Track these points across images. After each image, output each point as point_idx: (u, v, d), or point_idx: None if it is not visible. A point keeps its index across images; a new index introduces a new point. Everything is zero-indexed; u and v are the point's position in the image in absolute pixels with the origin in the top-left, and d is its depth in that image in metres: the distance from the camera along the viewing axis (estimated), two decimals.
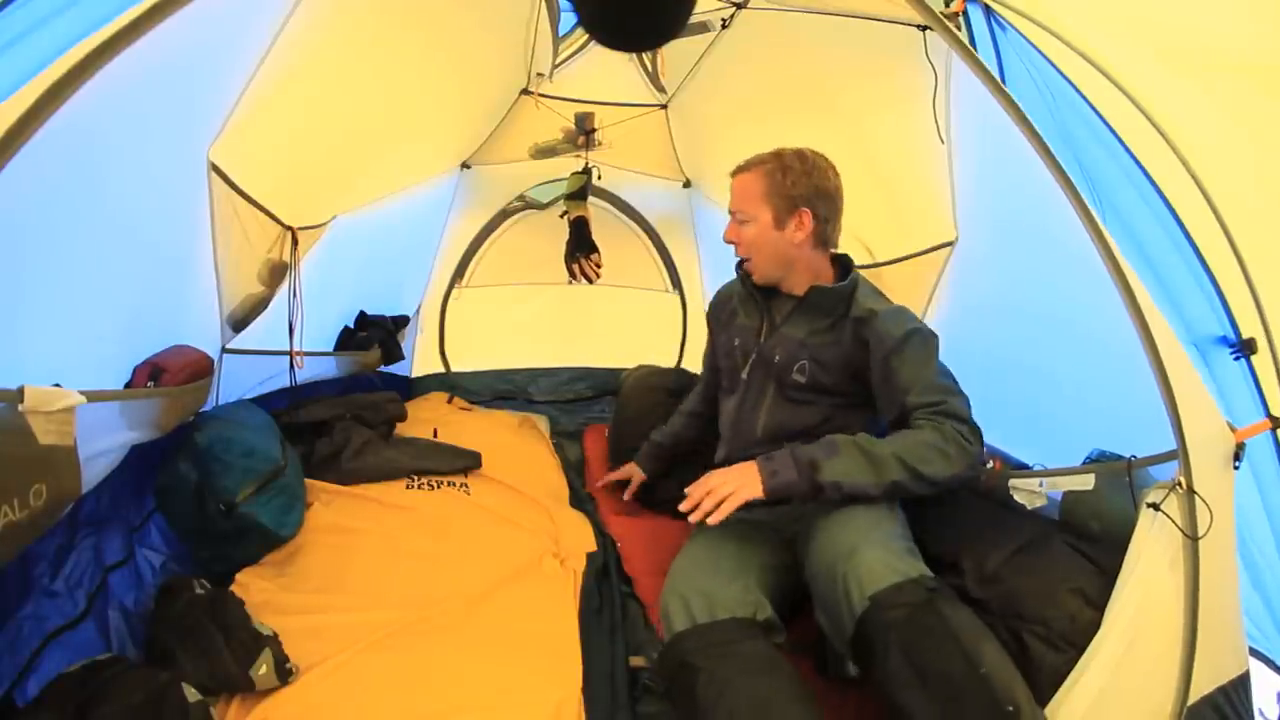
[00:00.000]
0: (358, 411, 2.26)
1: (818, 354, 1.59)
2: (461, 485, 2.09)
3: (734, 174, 1.65)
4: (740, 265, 1.74)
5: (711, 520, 1.31)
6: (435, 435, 2.47)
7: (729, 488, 1.33)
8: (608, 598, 1.64)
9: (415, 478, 2.07)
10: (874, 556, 1.19)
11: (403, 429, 2.49)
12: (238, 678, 1.18)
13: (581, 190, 3.12)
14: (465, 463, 2.19)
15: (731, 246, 1.69)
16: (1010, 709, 1.00)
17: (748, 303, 1.75)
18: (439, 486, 2.06)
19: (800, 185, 1.57)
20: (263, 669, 1.19)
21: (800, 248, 1.60)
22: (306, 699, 1.20)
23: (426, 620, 1.43)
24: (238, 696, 1.19)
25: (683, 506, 1.36)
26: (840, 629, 1.20)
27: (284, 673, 1.21)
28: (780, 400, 1.65)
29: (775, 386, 1.65)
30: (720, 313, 1.86)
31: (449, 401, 3.20)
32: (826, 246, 1.64)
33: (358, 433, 2.17)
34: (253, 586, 1.51)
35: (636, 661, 1.45)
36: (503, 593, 1.56)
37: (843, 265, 1.69)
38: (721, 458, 1.76)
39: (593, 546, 1.84)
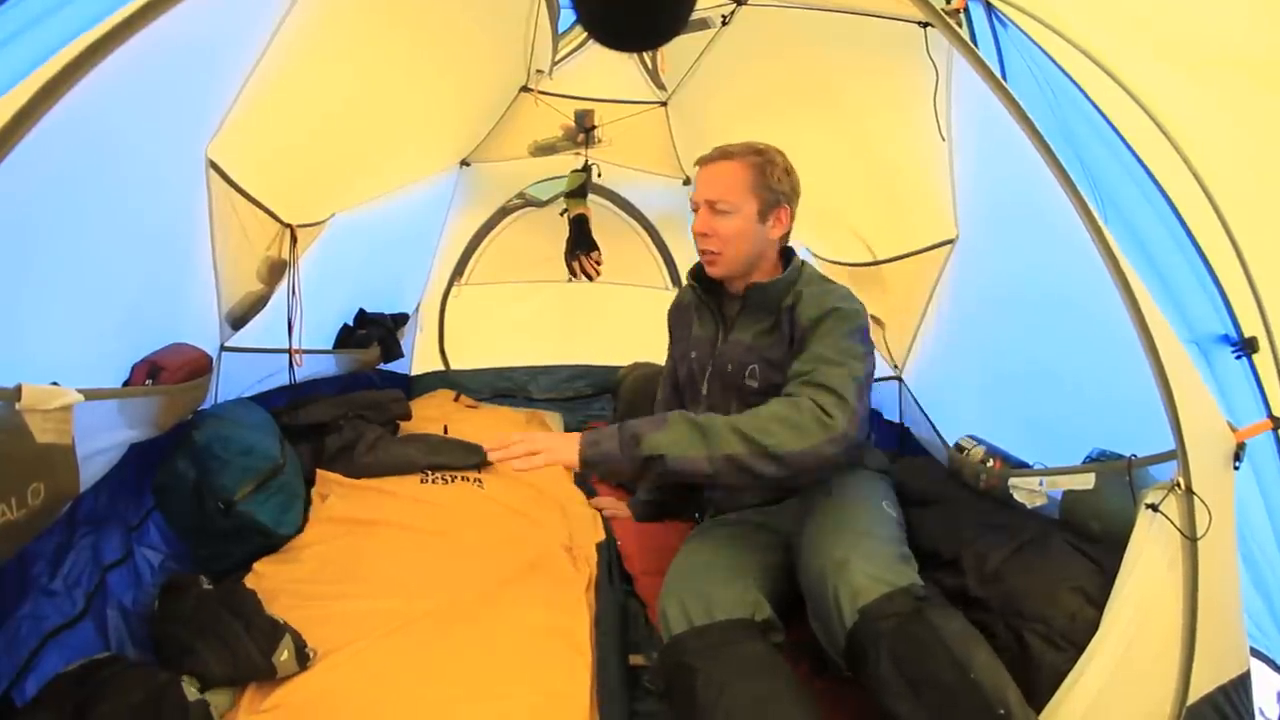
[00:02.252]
0: (360, 412, 2.26)
1: (766, 354, 1.56)
2: (475, 480, 2.10)
3: (708, 162, 1.56)
4: (692, 272, 1.67)
5: (517, 466, 1.24)
6: (445, 432, 2.47)
7: (543, 445, 1.26)
8: (618, 591, 1.65)
9: (429, 472, 2.08)
10: (862, 570, 1.20)
11: (410, 427, 2.50)
12: (261, 665, 1.19)
13: (581, 188, 3.12)
14: (478, 458, 2.20)
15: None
16: (1002, 712, 1.01)
17: (702, 311, 1.70)
18: (453, 480, 2.07)
19: (784, 182, 1.55)
20: (284, 655, 1.21)
21: (772, 245, 1.59)
22: (321, 685, 1.22)
23: (441, 610, 1.44)
24: (251, 685, 1.20)
25: (490, 448, 1.28)
26: (833, 640, 1.21)
27: (303, 658, 1.23)
28: (741, 409, 1.63)
29: (735, 395, 1.62)
30: (678, 321, 1.82)
31: (455, 399, 3.21)
32: (784, 245, 1.64)
33: (369, 429, 2.18)
34: (269, 575, 1.53)
35: (636, 660, 1.45)
36: (517, 584, 1.56)
37: (786, 259, 1.64)
38: None
39: (602, 536, 1.86)
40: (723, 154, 1.55)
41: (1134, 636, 1.05)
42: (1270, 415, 1.17)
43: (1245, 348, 1.19)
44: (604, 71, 2.88)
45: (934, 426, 1.99)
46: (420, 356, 3.43)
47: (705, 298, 1.66)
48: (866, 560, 1.22)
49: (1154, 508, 1.06)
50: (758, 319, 1.59)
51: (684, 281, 1.77)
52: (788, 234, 1.61)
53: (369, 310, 2.88)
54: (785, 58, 2.22)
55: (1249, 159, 1.20)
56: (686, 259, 3.62)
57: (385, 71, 2.00)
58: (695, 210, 1.57)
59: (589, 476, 2.47)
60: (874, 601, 1.15)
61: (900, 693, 1.08)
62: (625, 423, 1.30)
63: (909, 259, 2.10)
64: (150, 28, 0.85)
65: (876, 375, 2.42)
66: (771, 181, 1.53)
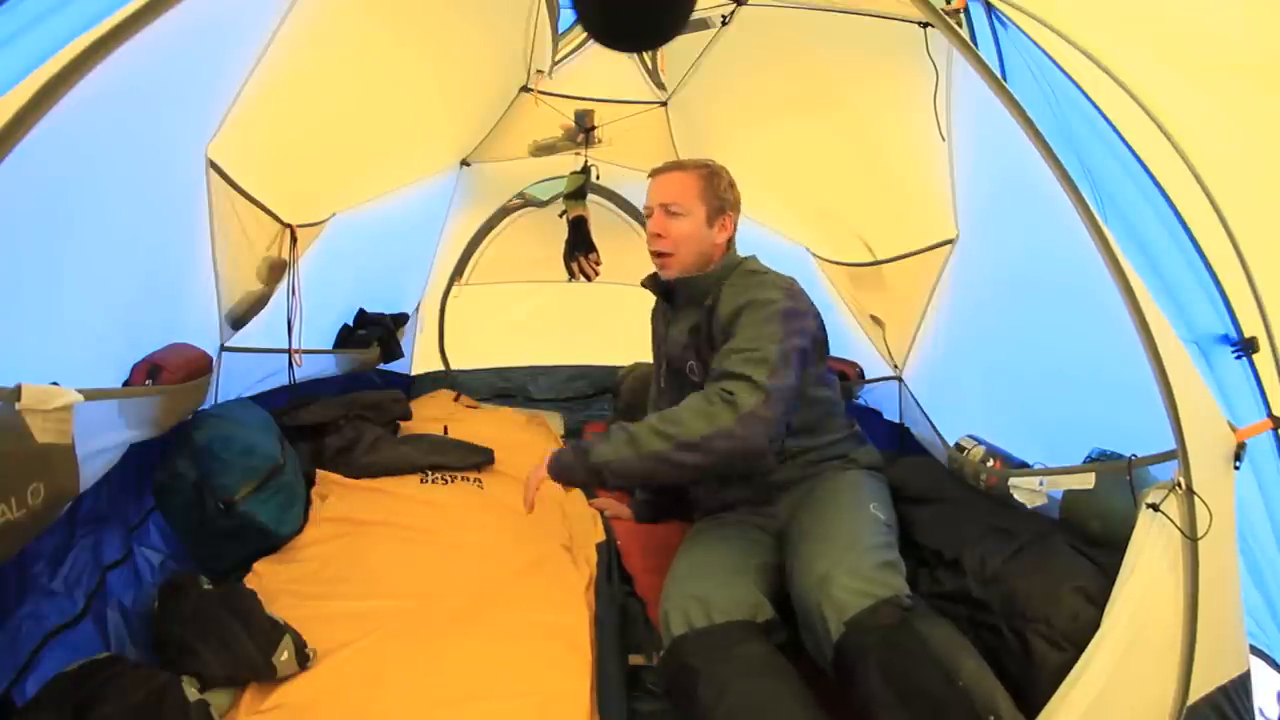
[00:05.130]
0: (360, 412, 2.26)
1: (700, 350, 1.62)
2: (475, 480, 2.10)
3: (660, 172, 1.70)
4: (649, 277, 1.77)
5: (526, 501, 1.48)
6: (445, 432, 2.47)
7: (534, 475, 1.51)
8: (617, 591, 1.65)
9: (429, 473, 2.08)
10: (846, 584, 1.21)
11: (410, 427, 2.50)
12: (261, 666, 1.19)
13: (580, 190, 3.12)
14: (478, 459, 2.20)
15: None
16: (991, 718, 1.02)
17: (662, 309, 1.83)
18: (452, 481, 2.07)
19: (729, 192, 1.69)
20: (284, 655, 1.21)
21: (718, 247, 1.68)
22: (321, 685, 1.22)
23: (440, 609, 1.44)
24: (251, 685, 1.20)
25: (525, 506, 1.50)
26: (821, 653, 1.23)
27: (303, 658, 1.24)
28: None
29: (682, 388, 1.66)
30: (653, 320, 1.93)
31: (456, 400, 3.20)
32: (731, 250, 1.71)
33: (370, 429, 2.18)
34: (269, 575, 1.53)
35: (636, 660, 1.45)
36: (517, 584, 1.57)
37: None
38: None
39: (602, 537, 1.86)
40: (675, 165, 1.71)
41: (1134, 636, 1.05)
42: (1270, 415, 1.17)
43: (1245, 348, 1.19)
44: (604, 71, 2.87)
45: (934, 426, 1.99)
46: (420, 356, 3.43)
47: (658, 296, 1.81)
48: (850, 574, 1.23)
49: (1155, 507, 1.06)
50: (689, 315, 1.67)
51: None
52: (733, 242, 1.71)
53: (369, 310, 2.87)
54: (785, 58, 2.22)
55: (1249, 159, 1.20)
56: None
57: (385, 71, 2.00)
58: (648, 215, 1.69)
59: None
60: (858, 614, 1.17)
61: (889, 704, 1.08)
62: (580, 440, 1.49)
63: (909, 259, 2.10)
64: (150, 28, 0.85)
65: (876, 375, 2.45)
66: (719, 190, 1.67)
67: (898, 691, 1.08)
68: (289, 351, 2.10)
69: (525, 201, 3.47)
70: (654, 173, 1.71)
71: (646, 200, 1.70)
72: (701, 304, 1.62)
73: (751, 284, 1.57)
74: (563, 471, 1.46)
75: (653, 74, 2.96)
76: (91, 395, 1.10)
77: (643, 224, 3.59)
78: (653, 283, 1.77)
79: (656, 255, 1.68)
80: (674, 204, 1.64)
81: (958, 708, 1.04)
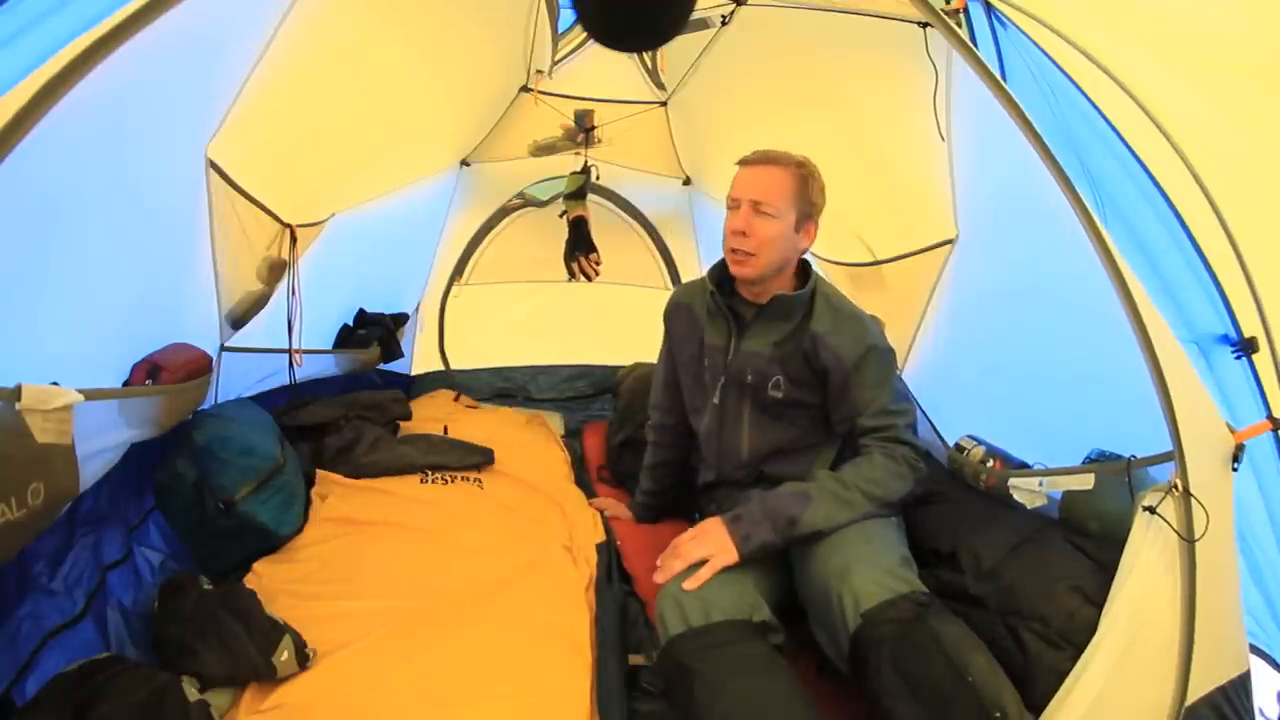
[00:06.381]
0: (360, 412, 2.26)
1: (788, 368, 1.58)
2: (475, 480, 2.10)
3: (754, 164, 1.57)
4: (714, 272, 1.66)
5: (688, 586, 1.29)
6: (445, 432, 2.47)
7: (701, 553, 1.34)
8: (617, 591, 1.65)
9: (429, 473, 2.08)
10: (866, 575, 1.22)
11: (410, 427, 2.50)
12: (261, 666, 1.20)
13: (580, 190, 3.12)
14: (478, 459, 2.20)
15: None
16: (998, 715, 1.03)
17: (715, 318, 1.69)
18: (452, 481, 2.07)
19: (819, 198, 1.59)
20: (284, 655, 1.21)
21: (797, 255, 1.60)
22: (321, 685, 1.22)
23: (440, 610, 1.44)
24: (251, 685, 1.21)
25: (657, 577, 1.36)
26: (837, 645, 1.24)
27: (303, 658, 1.24)
28: (762, 418, 1.64)
29: (753, 406, 1.63)
30: (679, 322, 1.80)
31: (455, 400, 3.20)
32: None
33: (370, 429, 2.18)
34: (268, 575, 1.53)
35: (636, 660, 1.45)
36: (516, 584, 1.57)
37: (802, 268, 1.65)
38: (713, 479, 1.77)
39: (602, 537, 1.86)
40: (770, 159, 1.57)
41: (1132, 638, 1.05)
42: (1270, 416, 1.17)
43: (1245, 348, 1.19)
44: (604, 71, 2.88)
45: (934, 426, 1.99)
46: (420, 356, 3.43)
47: (721, 304, 1.65)
48: (868, 566, 1.24)
49: (1151, 510, 1.06)
50: (774, 328, 1.60)
51: (683, 281, 1.77)
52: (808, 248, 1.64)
53: (369, 310, 2.87)
54: (785, 58, 2.22)
55: (1249, 159, 1.20)
56: (686, 259, 3.63)
57: (385, 71, 2.00)
58: (734, 207, 1.56)
59: (589, 476, 2.48)
60: (876, 606, 1.18)
61: (899, 694, 1.10)
62: (766, 505, 1.39)
63: (909, 259, 2.10)
64: (150, 28, 0.85)
65: None
66: (811, 194, 1.57)
67: (909, 684, 1.10)
68: (289, 351, 2.10)
69: (525, 201, 3.47)
70: (745, 162, 1.59)
71: (733, 190, 1.57)
72: (792, 318, 1.58)
73: (853, 315, 1.59)
74: (759, 551, 1.35)
75: (653, 74, 2.96)
76: (91, 395, 1.10)
77: (643, 225, 3.65)
78: (723, 292, 1.64)
79: (735, 253, 1.55)
80: (765, 203, 1.52)
81: (966, 703, 1.05)
